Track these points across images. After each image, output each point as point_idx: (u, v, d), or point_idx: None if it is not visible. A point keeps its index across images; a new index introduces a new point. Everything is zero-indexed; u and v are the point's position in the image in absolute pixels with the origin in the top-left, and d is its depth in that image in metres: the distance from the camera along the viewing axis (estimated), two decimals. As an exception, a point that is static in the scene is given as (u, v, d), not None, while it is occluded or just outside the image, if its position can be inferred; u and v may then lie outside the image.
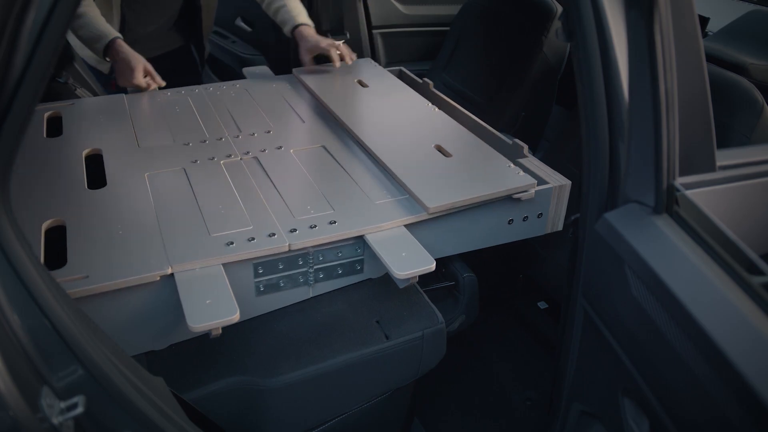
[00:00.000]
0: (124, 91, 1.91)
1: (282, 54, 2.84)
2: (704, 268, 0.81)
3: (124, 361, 0.89)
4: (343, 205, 1.36)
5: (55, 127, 1.65)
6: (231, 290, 1.12)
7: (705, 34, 2.23)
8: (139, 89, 1.88)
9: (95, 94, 2.00)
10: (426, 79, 1.98)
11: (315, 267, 1.29)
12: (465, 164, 1.50)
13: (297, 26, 2.01)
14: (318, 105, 1.86)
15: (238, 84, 1.98)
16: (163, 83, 1.91)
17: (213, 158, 1.52)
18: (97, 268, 1.12)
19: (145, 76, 1.87)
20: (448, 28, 2.65)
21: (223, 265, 1.18)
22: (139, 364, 0.95)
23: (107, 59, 1.86)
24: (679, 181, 0.91)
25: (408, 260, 1.23)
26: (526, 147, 1.58)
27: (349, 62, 2.04)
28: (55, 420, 0.73)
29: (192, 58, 2.31)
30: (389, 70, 2.11)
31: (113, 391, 0.81)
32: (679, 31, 0.87)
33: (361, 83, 1.96)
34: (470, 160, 1.53)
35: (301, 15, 2.04)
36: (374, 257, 1.29)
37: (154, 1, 2.08)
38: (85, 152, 1.52)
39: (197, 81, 2.28)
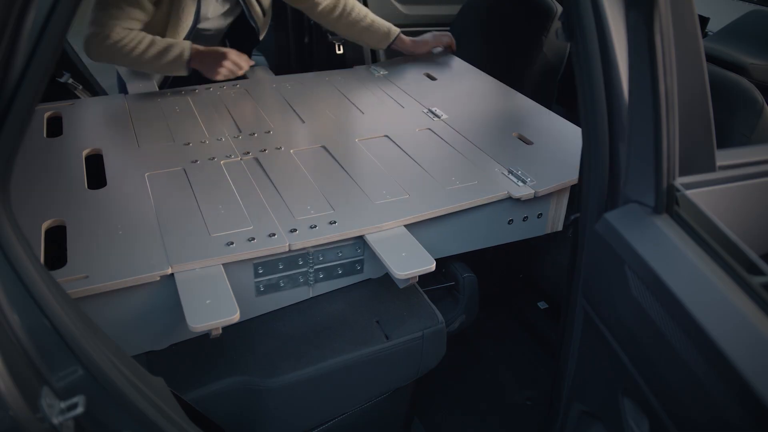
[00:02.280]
0: (125, 91, 1.91)
1: (282, 54, 2.84)
2: (704, 268, 0.81)
3: (124, 361, 0.89)
4: (343, 205, 1.36)
5: (55, 127, 1.65)
6: (231, 290, 1.12)
7: (705, 34, 2.23)
8: (235, 72, 1.83)
9: (95, 94, 2.00)
10: None
11: (315, 267, 1.29)
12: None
13: (397, 36, 2.04)
14: (318, 104, 1.86)
15: (238, 84, 1.99)
16: (252, 63, 1.90)
17: (213, 158, 1.52)
18: (97, 268, 1.12)
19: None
20: (448, 28, 2.65)
21: (223, 265, 1.18)
22: (139, 364, 0.95)
23: (189, 65, 1.80)
24: (679, 181, 0.91)
25: (408, 260, 1.23)
26: (526, 147, 1.59)
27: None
28: (55, 420, 0.73)
29: None
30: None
31: (113, 391, 0.81)
32: (679, 31, 0.87)
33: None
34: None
35: (392, 26, 2.03)
36: (374, 257, 1.29)
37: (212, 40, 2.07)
38: (85, 152, 1.52)
39: None
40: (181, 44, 1.77)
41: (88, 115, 1.72)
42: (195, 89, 1.92)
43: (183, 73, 1.80)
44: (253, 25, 2.02)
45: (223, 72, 1.80)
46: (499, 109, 1.86)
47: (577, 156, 1.16)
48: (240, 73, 1.84)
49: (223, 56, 1.79)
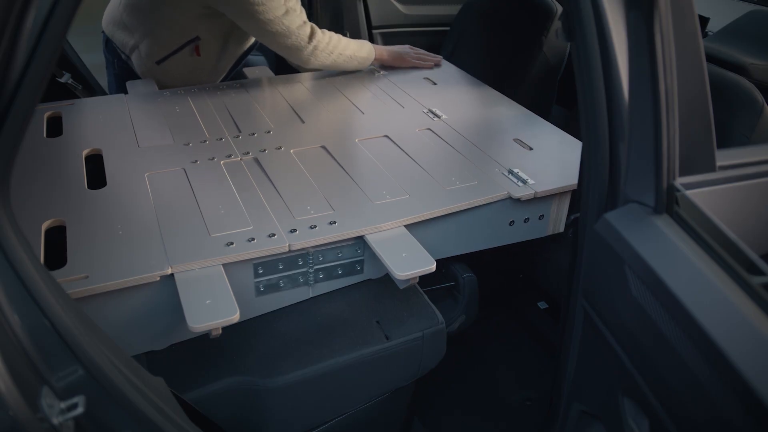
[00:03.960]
0: (124, 91, 1.91)
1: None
2: (704, 268, 0.81)
3: (124, 361, 0.89)
4: (343, 205, 1.36)
5: (55, 127, 1.65)
6: (231, 290, 1.12)
7: (705, 34, 2.22)
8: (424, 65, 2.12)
9: (95, 94, 2.00)
10: None
11: (315, 267, 1.29)
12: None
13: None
14: (318, 104, 1.86)
15: (238, 84, 1.98)
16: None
17: (213, 158, 1.52)
18: (97, 268, 1.12)
19: None
20: (448, 28, 2.65)
21: (223, 265, 1.18)
22: (139, 364, 0.95)
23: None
24: (679, 181, 0.91)
25: (408, 261, 1.23)
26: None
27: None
28: (55, 420, 0.73)
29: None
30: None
31: (113, 391, 0.81)
32: (679, 31, 0.87)
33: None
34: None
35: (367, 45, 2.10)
36: (374, 258, 1.29)
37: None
38: (85, 152, 1.52)
39: None
40: (364, 41, 2.01)
41: (88, 115, 1.72)
42: (194, 89, 1.92)
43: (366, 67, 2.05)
44: None
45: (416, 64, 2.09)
46: (498, 116, 1.85)
47: (577, 165, 1.17)
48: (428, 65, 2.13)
49: (406, 55, 2.08)
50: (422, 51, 2.16)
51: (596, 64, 0.95)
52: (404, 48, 2.12)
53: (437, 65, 2.17)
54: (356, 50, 1.97)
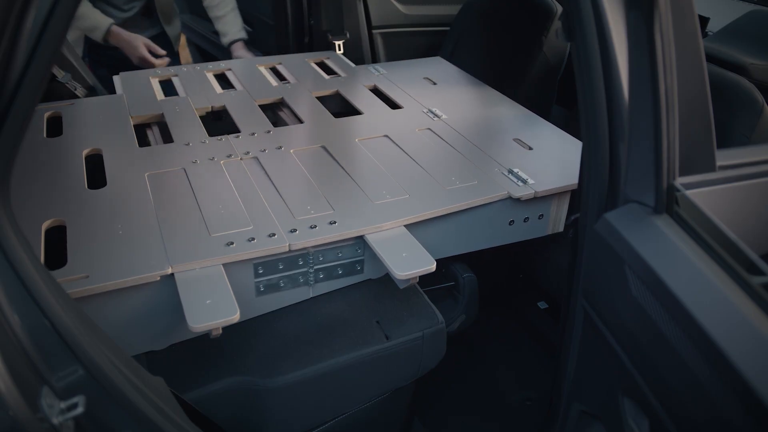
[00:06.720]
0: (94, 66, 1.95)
1: (282, 54, 2.83)
2: (704, 268, 0.81)
3: (124, 361, 0.89)
4: (343, 205, 1.36)
5: (55, 127, 1.65)
6: (231, 290, 1.12)
7: (705, 34, 2.22)
8: (148, 64, 2.08)
9: (95, 94, 2.00)
10: None
11: (315, 267, 1.29)
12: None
13: (236, 41, 2.26)
14: (318, 104, 1.86)
15: (238, 83, 1.99)
16: (163, 52, 2.13)
17: (213, 158, 1.52)
18: (97, 268, 1.12)
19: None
20: (448, 28, 2.65)
21: (223, 265, 1.18)
22: (139, 364, 0.95)
23: (109, 42, 2.11)
24: (679, 181, 0.91)
25: (408, 260, 1.23)
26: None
27: None
28: (55, 420, 0.73)
29: (167, 40, 2.45)
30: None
31: (113, 391, 0.81)
32: (679, 31, 0.87)
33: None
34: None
35: (241, 31, 2.29)
36: (374, 257, 1.29)
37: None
38: (85, 152, 1.52)
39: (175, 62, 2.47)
40: (105, 21, 2.08)
41: (88, 115, 1.72)
42: (196, 87, 1.92)
43: (101, 41, 2.12)
44: None
45: (135, 62, 2.08)
46: (498, 116, 1.86)
47: (577, 164, 1.17)
48: (157, 65, 2.10)
49: (136, 49, 2.09)
50: (152, 50, 2.10)
51: (596, 64, 0.95)
52: (137, 41, 2.09)
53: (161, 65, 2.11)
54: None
